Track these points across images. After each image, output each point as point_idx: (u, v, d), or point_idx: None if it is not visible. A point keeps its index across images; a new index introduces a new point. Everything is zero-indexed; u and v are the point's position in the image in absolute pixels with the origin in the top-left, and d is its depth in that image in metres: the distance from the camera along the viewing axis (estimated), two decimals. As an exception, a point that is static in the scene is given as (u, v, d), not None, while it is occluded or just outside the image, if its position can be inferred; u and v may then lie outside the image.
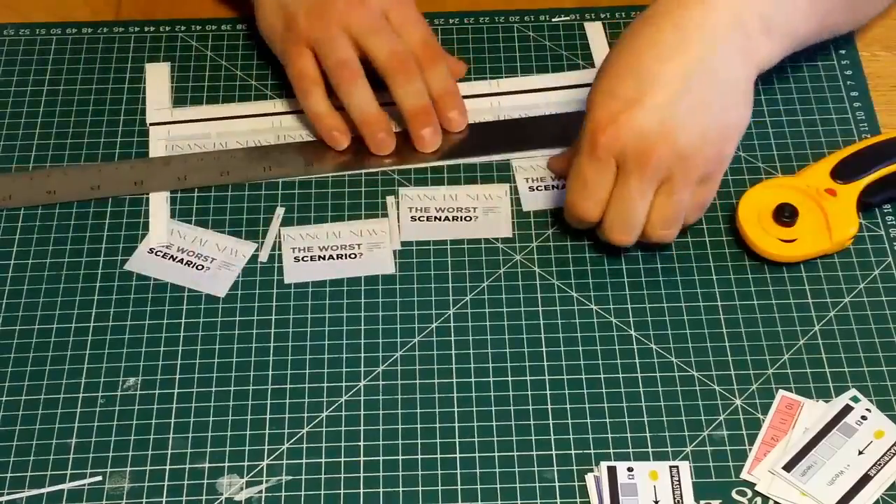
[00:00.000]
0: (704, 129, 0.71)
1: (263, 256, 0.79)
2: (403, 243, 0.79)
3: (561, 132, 0.83)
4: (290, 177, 0.83)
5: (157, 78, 0.88)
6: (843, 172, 0.80)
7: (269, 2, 0.84)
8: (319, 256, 0.79)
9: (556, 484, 0.69)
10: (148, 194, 0.82)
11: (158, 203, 0.81)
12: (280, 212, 0.81)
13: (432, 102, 0.83)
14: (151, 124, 0.86)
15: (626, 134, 0.71)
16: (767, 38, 0.74)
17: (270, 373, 0.74)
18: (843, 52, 0.89)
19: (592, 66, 0.89)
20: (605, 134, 0.71)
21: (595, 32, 0.91)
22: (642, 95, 0.71)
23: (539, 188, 0.82)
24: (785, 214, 0.77)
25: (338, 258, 0.79)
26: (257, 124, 0.86)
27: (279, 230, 0.80)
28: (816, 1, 0.77)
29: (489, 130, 0.85)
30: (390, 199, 0.80)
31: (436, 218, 0.80)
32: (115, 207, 0.81)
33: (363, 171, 0.82)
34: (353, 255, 0.79)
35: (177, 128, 0.86)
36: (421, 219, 0.80)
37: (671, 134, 0.71)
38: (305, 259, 0.79)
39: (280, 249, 0.79)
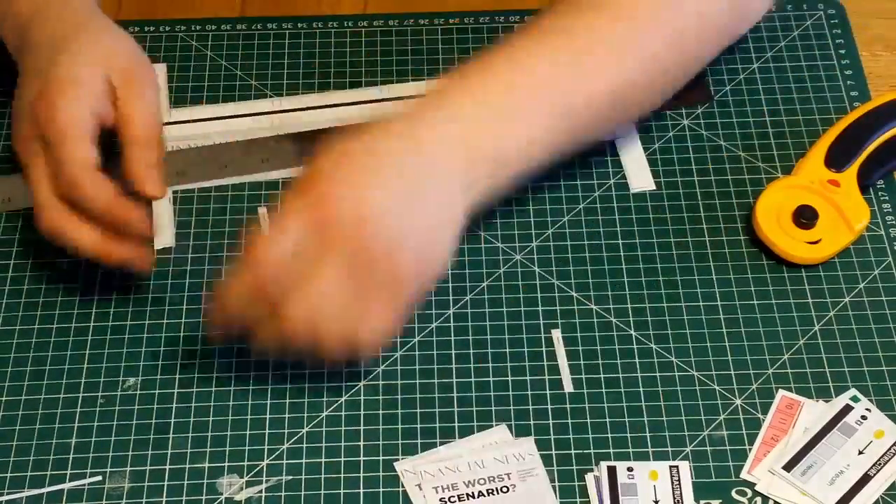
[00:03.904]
0: (399, 233, 0.66)
1: None
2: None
3: None
4: (287, 168, 0.83)
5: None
6: (835, 160, 0.80)
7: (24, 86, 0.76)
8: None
9: (556, 484, 0.69)
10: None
11: (162, 204, 0.81)
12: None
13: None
14: None
15: (319, 202, 0.66)
16: (493, 176, 0.70)
17: (270, 373, 0.74)
18: (843, 51, 0.89)
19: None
20: (300, 197, 0.66)
21: None
22: (351, 177, 0.67)
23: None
24: (804, 217, 0.77)
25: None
26: (257, 123, 0.86)
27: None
28: (554, 129, 0.72)
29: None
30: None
31: (468, 496, 0.69)
32: (115, 207, 0.81)
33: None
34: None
35: (176, 128, 0.86)
36: (452, 499, 0.69)
37: (366, 218, 0.66)
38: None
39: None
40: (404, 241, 0.67)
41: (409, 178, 0.68)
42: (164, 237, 0.80)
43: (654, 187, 0.82)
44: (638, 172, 0.82)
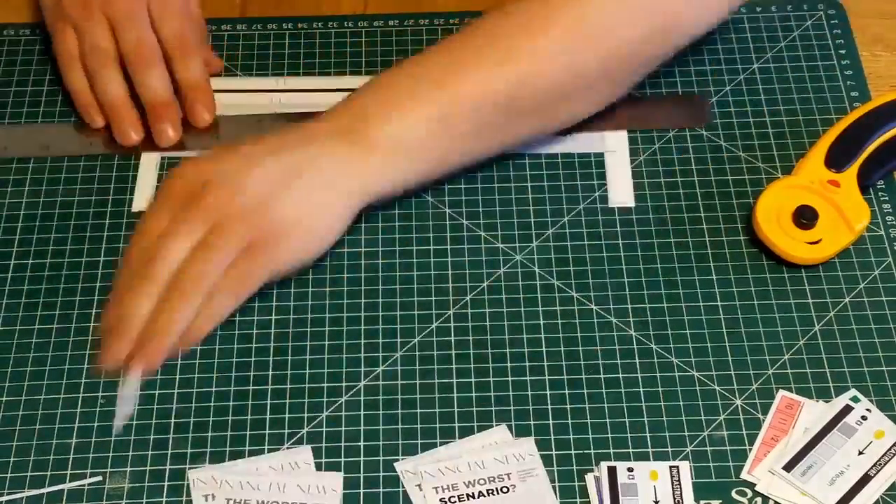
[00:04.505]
0: (267, 198, 0.70)
1: None
2: (402, 240, 0.79)
3: None
4: None
5: None
6: (835, 160, 0.80)
7: None
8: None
9: (557, 484, 0.69)
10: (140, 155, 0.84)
11: (146, 170, 0.83)
12: None
13: (182, 95, 0.84)
14: None
15: (197, 171, 0.71)
16: (387, 166, 0.73)
17: (270, 373, 0.74)
18: (843, 51, 0.89)
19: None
20: (181, 169, 0.72)
21: None
22: (228, 150, 0.73)
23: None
24: (804, 217, 0.77)
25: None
26: (257, 99, 0.87)
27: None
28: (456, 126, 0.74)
29: None
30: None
31: (468, 496, 0.69)
32: (115, 208, 0.81)
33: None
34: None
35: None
36: (452, 499, 0.69)
37: (235, 184, 0.70)
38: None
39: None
40: (266, 202, 0.70)
41: (288, 162, 0.71)
42: (144, 200, 0.81)
43: (634, 202, 0.81)
44: (619, 187, 0.82)
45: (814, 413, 0.72)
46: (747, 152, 0.84)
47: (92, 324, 0.76)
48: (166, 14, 0.84)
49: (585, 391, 0.73)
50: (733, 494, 0.69)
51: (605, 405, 0.72)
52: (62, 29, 0.84)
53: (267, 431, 0.72)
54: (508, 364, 0.74)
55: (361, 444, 0.71)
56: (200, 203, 0.69)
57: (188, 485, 0.69)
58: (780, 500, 0.69)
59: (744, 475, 0.70)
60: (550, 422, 0.72)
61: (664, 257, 0.79)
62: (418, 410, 0.72)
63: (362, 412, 0.72)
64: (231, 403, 0.73)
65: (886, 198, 0.81)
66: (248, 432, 0.71)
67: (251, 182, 0.70)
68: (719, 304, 0.76)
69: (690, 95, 0.86)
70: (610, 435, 0.71)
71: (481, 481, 0.69)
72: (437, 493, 0.69)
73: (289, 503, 0.68)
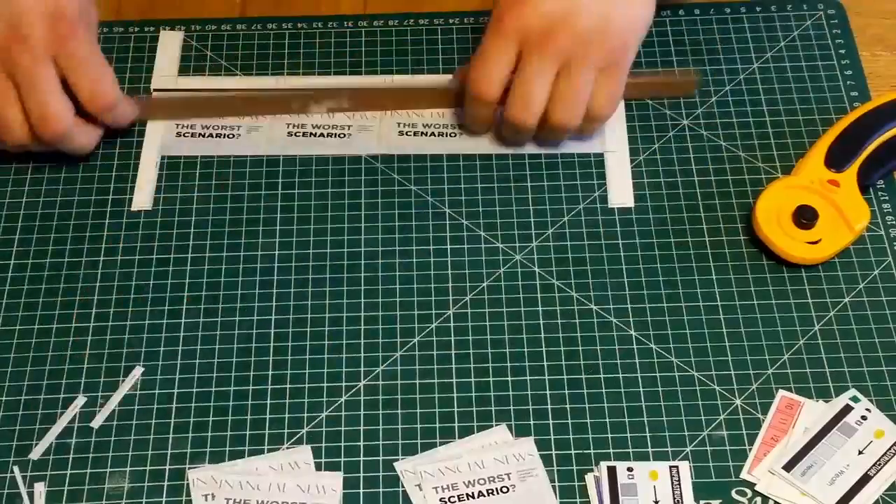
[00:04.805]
0: (606, 16, 0.76)
1: None
2: (402, 240, 0.79)
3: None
4: (278, 114, 0.85)
5: (169, 45, 0.90)
6: (835, 160, 0.80)
7: None
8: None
9: (557, 484, 0.69)
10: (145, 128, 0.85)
11: (146, 167, 0.83)
12: None
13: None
14: (155, 90, 0.87)
15: (529, 13, 0.76)
16: None
17: (270, 373, 0.74)
18: (843, 51, 0.89)
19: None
20: (511, 13, 0.77)
21: None
22: None
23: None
24: (804, 217, 0.77)
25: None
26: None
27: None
28: None
29: None
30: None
31: (468, 496, 0.69)
32: (115, 208, 0.81)
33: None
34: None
35: (179, 95, 0.87)
36: (452, 499, 0.69)
37: (573, 16, 0.76)
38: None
39: (276, 249, 0.79)
40: (604, 23, 0.76)
41: None
42: (143, 199, 0.81)
43: (634, 202, 0.81)
44: (619, 187, 0.82)
45: (814, 413, 0.72)
46: (747, 152, 0.84)
47: (92, 324, 0.76)
48: (79, 72, 0.78)
49: (585, 391, 0.73)
50: (733, 494, 0.69)
51: (605, 405, 0.72)
52: None
53: (267, 431, 0.72)
54: (508, 364, 0.74)
55: (361, 443, 0.71)
56: (549, 45, 0.76)
57: (188, 485, 0.69)
58: (780, 500, 0.69)
59: (744, 475, 0.70)
60: (550, 422, 0.72)
61: (664, 257, 0.79)
62: (418, 410, 0.72)
63: (362, 412, 0.72)
64: (231, 403, 0.73)
65: (886, 198, 0.81)
66: (248, 432, 0.72)
67: (582, 18, 0.76)
68: (719, 304, 0.76)
69: (677, 69, 0.87)
70: (610, 435, 0.71)
71: (481, 481, 0.69)
72: (436, 492, 0.69)
73: (289, 503, 0.68)
